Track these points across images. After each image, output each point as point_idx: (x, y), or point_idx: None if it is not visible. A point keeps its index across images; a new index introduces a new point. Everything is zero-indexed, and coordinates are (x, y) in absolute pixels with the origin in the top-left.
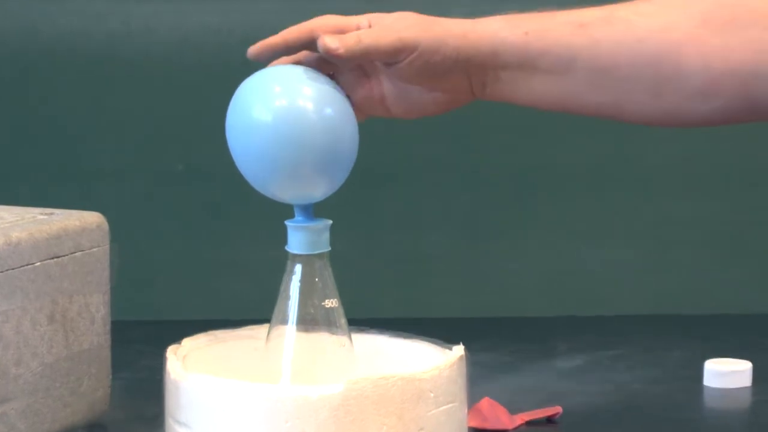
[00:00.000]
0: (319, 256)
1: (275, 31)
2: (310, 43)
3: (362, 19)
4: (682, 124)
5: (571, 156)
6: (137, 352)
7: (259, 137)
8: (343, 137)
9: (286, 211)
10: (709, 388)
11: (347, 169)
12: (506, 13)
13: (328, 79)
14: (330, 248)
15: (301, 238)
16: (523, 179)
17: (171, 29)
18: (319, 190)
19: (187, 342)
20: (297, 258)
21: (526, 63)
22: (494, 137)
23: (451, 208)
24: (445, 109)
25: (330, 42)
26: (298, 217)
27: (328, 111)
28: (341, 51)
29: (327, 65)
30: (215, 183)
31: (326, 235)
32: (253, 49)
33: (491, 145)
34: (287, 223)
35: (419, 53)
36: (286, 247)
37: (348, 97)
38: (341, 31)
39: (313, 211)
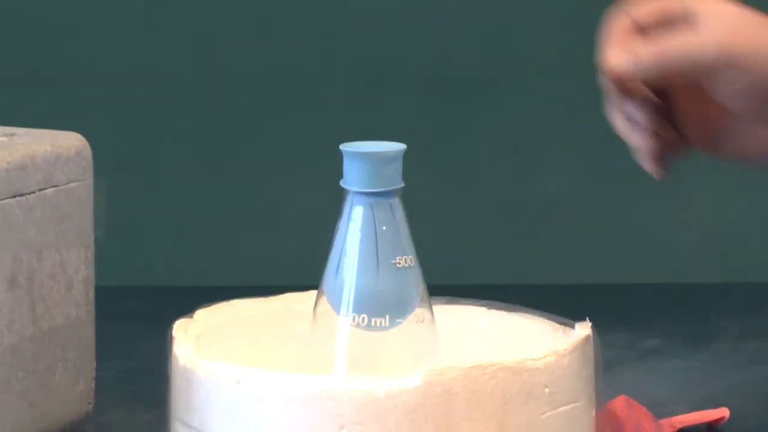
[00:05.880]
0: (388, 194)
1: None
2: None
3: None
4: None
5: None
6: (132, 331)
7: None
8: None
9: (338, 135)
10: None
11: None
12: None
13: None
14: (403, 184)
15: (363, 168)
16: None
17: None
18: None
19: (202, 316)
20: (357, 198)
21: None
22: None
23: (576, 136)
24: None
25: (613, 59)
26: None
27: None
28: (624, 69)
29: None
30: (239, 94)
31: (398, 166)
32: None
33: None
34: (343, 147)
35: (740, 72)
36: (342, 182)
37: None
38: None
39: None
